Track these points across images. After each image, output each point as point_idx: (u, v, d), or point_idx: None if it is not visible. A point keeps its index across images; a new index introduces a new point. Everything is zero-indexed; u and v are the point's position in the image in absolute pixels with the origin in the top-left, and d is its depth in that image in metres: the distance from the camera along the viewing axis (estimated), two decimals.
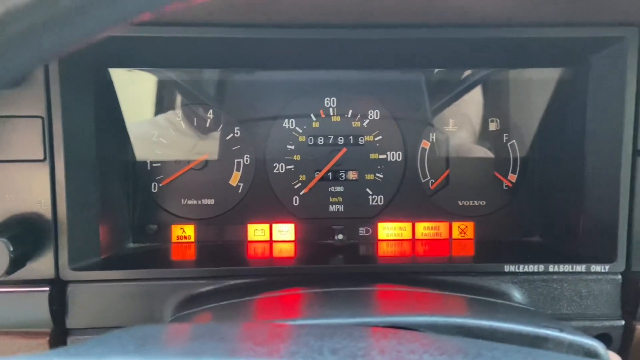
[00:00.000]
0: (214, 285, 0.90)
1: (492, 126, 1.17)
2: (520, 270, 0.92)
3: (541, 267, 0.92)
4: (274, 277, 0.91)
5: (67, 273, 0.88)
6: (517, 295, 0.92)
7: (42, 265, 0.88)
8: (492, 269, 0.93)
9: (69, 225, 0.88)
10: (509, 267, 0.92)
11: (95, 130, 0.95)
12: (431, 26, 0.85)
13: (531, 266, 0.92)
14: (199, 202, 1.15)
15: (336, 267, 0.94)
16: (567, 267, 0.92)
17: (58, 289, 0.89)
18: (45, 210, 0.87)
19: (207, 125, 1.15)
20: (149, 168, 1.14)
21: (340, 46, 0.91)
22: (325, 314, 0.61)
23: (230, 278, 0.90)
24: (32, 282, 0.88)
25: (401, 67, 1.13)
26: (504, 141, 1.17)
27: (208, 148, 1.15)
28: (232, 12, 0.81)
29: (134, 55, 0.96)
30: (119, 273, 0.91)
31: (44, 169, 0.87)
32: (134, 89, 1.08)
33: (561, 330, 0.61)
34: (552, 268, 0.92)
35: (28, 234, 0.86)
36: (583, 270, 0.92)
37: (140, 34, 0.84)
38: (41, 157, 0.86)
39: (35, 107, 0.85)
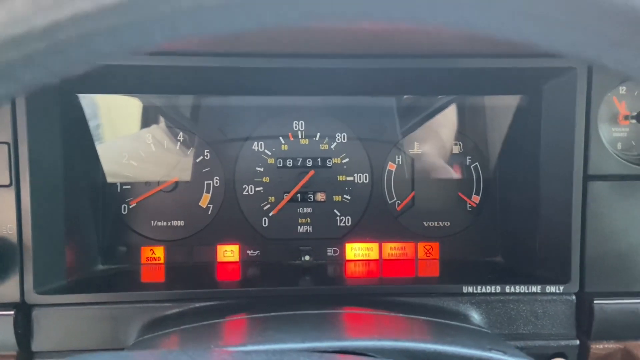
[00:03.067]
0: (179, 308, 0.91)
1: (456, 149, 1.21)
2: (478, 291, 0.95)
3: (498, 288, 0.95)
4: (239, 299, 0.93)
5: (32, 297, 0.89)
6: (475, 316, 0.95)
7: (7, 289, 0.88)
8: (452, 290, 0.96)
9: (34, 249, 0.89)
10: (467, 288, 0.95)
11: (63, 154, 0.97)
12: (387, 56, 0.89)
13: (488, 287, 0.95)
14: (169, 223, 1.16)
15: (302, 289, 0.96)
16: (523, 288, 0.95)
17: (23, 313, 0.89)
18: (11, 234, 0.88)
19: (178, 147, 1.17)
20: (118, 190, 1.15)
21: (306, 74, 0.95)
22: (277, 339, 0.63)
23: (196, 301, 0.92)
24: None
25: (364, 94, 1.16)
26: (468, 163, 1.21)
27: (178, 170, 1.16)
28: (202, 42, 0.84)
29: (103, 81, 0.98)
30: (85, 296, 0.91)
31: (10, 194, 0.88)
32: (104, 113, 1.10)
33: (504, 353, 0.64)
34: (508, 289, 0.95)
35: None
36: (538, 291, 0.95)
37: (109, 62, 0.86)
38: (7, 182, 0.87)
39: (1, 133, 0.87)
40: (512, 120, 1.13)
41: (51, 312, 0.90)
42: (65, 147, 0.98)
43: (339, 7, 0.28)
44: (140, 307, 0.91)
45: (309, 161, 1.18)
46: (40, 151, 0.91)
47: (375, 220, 1.19)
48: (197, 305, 0.92)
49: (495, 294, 0.96)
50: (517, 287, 0.95)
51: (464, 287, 0.95)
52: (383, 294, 0.96)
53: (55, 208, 0.96)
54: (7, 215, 0.88)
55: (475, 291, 0.95)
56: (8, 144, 0.87)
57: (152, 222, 1.16)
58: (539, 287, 0.95)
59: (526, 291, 0.95)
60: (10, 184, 0.88)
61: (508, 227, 1.16)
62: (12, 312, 0.88)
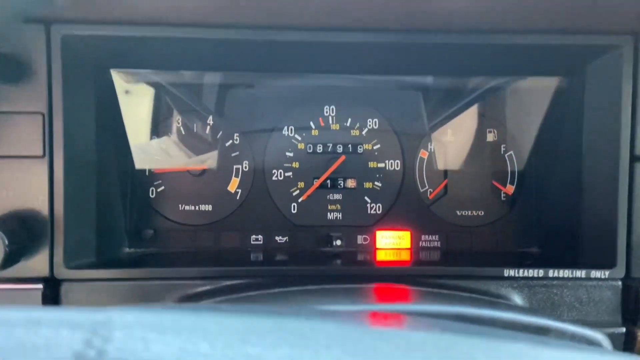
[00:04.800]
0: (209, 286, 0.89)
1: (490, 137, 1.18)
2: (520, 275, 0.92)
3: (541, 272, 0.92)
4: (273, 278, 0.90)
5: (62, 271, 0.87)
6: (517, 300, 0.92)
7: (36, 263, 0.87)
8: (491, 273, 0.92)
9: (65, 223, 0.87)
10: (508, 272, 0.92)
11: (96, 131, 0.96)
12: (419, 31, 0.87)
13: (531, 271, 0.92)
14: (197, 208, 1.14)
15: (335, 268, 0.93)
16: (567, 273, 0.92)
17: (52, 288, 0.87)
18: (42, 207, 0.87)
19: (207, 132, 1.15)
20: (147, 173, 1.14)
21: (337, 48, 0.93)
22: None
23: (228, 278, 0.89)
24: (26, 280, 0.86)
25: (394, 73, 1.13)
26: (502, 152, 1.18)
27: (207, 155, 1.15)
28: (234, 13, 0.83)
29: (136, 55, 0.97)
30: (115, 272, 0.89)
31: (43, 166, 0.87)
32: (135, 93, 1.09)
33: (563, 322, 0.60)
34: (552, 273, 0.92)
35: (24, 230, 0.85)
36: (583, 276, 0.92)
37: (142, 34, 0.85)
38: (40, 153, 0.86)
39: (36, 104, 0.86)
40: (550, 103, 1.10)
41: (80, 288, 0.88)
42: (98, 124, 0.97)
43: None
44: (169, 284, 0.89)
45: (340, 147, 1.16)
46: (75, 124, 0.90)
47: (406, 209, 1.17)
48: (228, 283, 0.89)
49: (538, 278, 0.92)
50: (560, 271, 0.92)
51: (505, 271, 0.92)
52: (421, 275, 0.92)
53: (87, 184, 0.94)
54: (39, 188, 0.87)
55: (517, 275, 0.92)
56: (43, 114, 0.86)
57: (180, 206, 1.14)
58: (583, 272, 0.92)
59: (570, 276, 0.92)
60: (44, 155, 0.86)
61: (546, 215, 1.12)
62: (40, 286, 0.86)
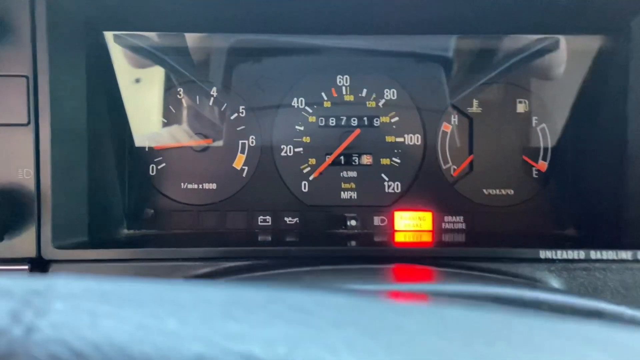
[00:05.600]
0: (212, 268, 0.80)
1: (521, 107, 1.07)
2: (558, 257, 0.82)
3: (581, 254, 0.82)
4: (281, 259, 0.81)
5: (50, 251, 0.79)
6: (555, 284, 0.81)
7: (22, 242, 0.79)
8: (526, 254, 0.82)
9: (53, 197, 0.80)
10: (545, 254, 0.82)
11: (87, 98, 0.87)
12: None
13: (570, 252, 0.81)
14: (200, 186, 1.06)
15: (350, 249, 0.84)
16: (611, 254, 0.81)
17: (39, 269, 0.80)
18: (28, 180, 0.79)
19: (211, 103, 1.07)
20: (146, 149, 1.05)
21: (355, 3, 0.83)
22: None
23: (231, 259, 0.81)
24: (11, 261, 0.79)
25: (415, 32, 1.02)
26: (534, 124, 1.07)
27: (211, 128, 1.06)
28: None
29: (131, 15, 0.89)
30: (108, 252, 0.82)
31: (28, 134, 0.79)
32: (132, 58, 1.01)
33: (618, 305, 0.50)
34: (594, 255, 0.82)
35: (7, 205, 0.77)
36: (629, 257, 0.81)
37: None
38: (25, 120, 0.79)
39: (19, 65, 0.78)
40: (589, 68, 0.99)
41: (70, 269, 0.80)
42: (90, 91, 0.88)
43: None
44: (170, 266, 0.80)
45: (354, 120, 1.06)
46: (63, 90, 0.82)
47: (427, 187, 1.07)
48: (231, 264, 0.80)
49: (578, 260, 0.82)
50: (604, 252, 0.81)
51: (541, 252, 0.82)
52: (445, 257, 0.82)
53: (77, 155, 0.86)
54: (24, 158, 0.79)
55: (554, 257, 0.81)
56: (27, 77, 0.78)
57: (182, 184, 1.06)
58: (629, 252, 0.81)
59: (615, 258, 0.81)
60: (29, 123, 0.79)
61: (583, 193, 1.02)
62: (26, 267, 0.78)
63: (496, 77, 1.07)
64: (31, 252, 0.79)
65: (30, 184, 0.79)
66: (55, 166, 0.80)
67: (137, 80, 1.04)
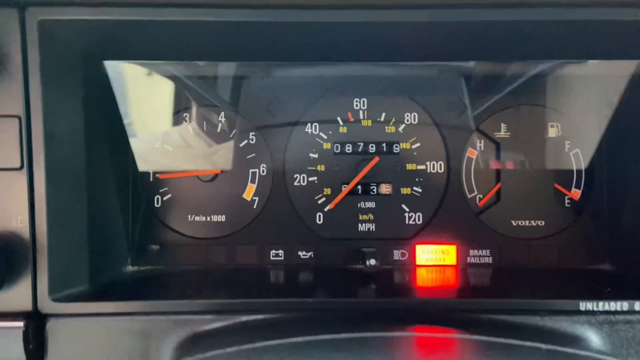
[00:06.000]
0: (224, 322, 0.74)
1: (552, 132, 0.99)
2: (600, 308, 0.74)
3: (625, 305, 0.74)
4: (295, 312, 0.75)
5: (47, 304, 0.74)
6: (596, 340, 0.74)
7: (17, 295, 0.73)
8: (564, 306, 0.75)
9: (50, 246, 0.73)
10: (585, 305, 0.74)
11: (86, 134, 0.81)
12: (467, 6, 0.69)
13: (613, 303, 0.74)
14: (208, 218, 0.99)
15: (367, 301, 0.77)
16: None
17: (36, 324, 0.74)
18: (22, 228, 0.73)
19: (219, 130, 1.00)
20: (151, 179, 0.99)
21: (369, 31, 0.75)
22: None
23: (243, 312, 0.74)
24: (5, 315, 0.73)
25: (439, 59, 0.95)
26: (566, 149, 0.99)
27: (219, 156, 1.00)
28: None
29: (134, 45, 0.82)
30: (110, 305, 0.75)
31: (21, 179, 0.72)
32: (135, 86, 0.94)
33: None
34: (638, 306, 0.74)
35: (2, 255, 0.71)
36: None
37: (138, 17, 0.70)
38: (17, 164, 0.72)
39: (11, 105, 0.71)
40: (627, 91, 0.91)
41: (69, 324, 0.74)
42: (89, 125, 0.82)
43: None
44: (175, 320, 0.74)
45: (372, 146, 0.99)
46: (59, 128, 0.76)
47: (451, 218, 1.00)
48: (244, 318, 0.74)
49: (622, 312, 0.74)
50: None
51: (581, 304, 0.74)
52: (468, 310, 0.75)
53: (76, 197, 0.80)
54: (18, 205, 0.73)
55: (595, 309, 0.74)
56: (19, 117, 0.72)
57: (189, 216, 1.00)
58: None
59: None
60: (22, 167, 0.72)
61: (621, 224, 0.94)
62: (22, 323, 0.72)
63: (525, 99, 0.99)
64: (27, 306, 0.73)
65: (26, 232, 0.73)
66: (52, 212, 0.74)
67: (141, 105, 0.98)
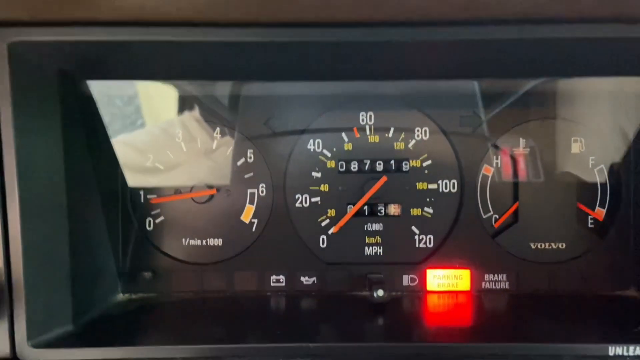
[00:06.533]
0: None
1: (575, 147, 0.91)
2: (631, 353, 0.67)
3: None
4: (296, 359, 0.69)
5: (26, 351, 0.68)
6: None
7: None
8: (590, 351, 0.68)
9: (27, 287, 0.67)
10: (614, 350, 0.68)
11: (66, 160, 0.74)
12: (482, 23, 0.61)
13: None
14: (204, 242, 0.93)
15: (373, 346, 0.70)
16: None
17: None
18: None
19: (214, 147, 0.93)
20: (142, 200, 0.93)
21: (375, 50, 0.68)
22: None
23: (241, 359, 0.68)
24: None
25: (452, 77, 0.88)
26: (590, 166, 0.91)
27: (214, 176, 0.93)
28: (238, 9, 0.58)
29: (120, 64, 0.75)
30: (94, 351, 0.69)
31: None
32: (123, 104, 0.87)
33: None
34: None
35: None
36: None
37: (123, 37, 0.62)
38: None
39: None
40: None
41: None
42: (70, 150, 0.75)
43: None
44: None
45: (380, 164, 0.92)
46: (35, 157, 0.69)
47: (465, 240, 0.93)
48: None
49: None
50: None
51: (610, 348, 0.67)
52: (482, 355, 0.69)
53: (56, 229, 0.73)
54: None
55: (626, 354, 0.67)
56: None
57: (184, 240, 0.93)
58: None
59: None
60: None
61: None
62: None
63: (547, 112, 0.91)
64: (5, 353, 0.68)
65: (0, 275, 0.67)
66: (29, 251, 0.67)
67: (130, 123, 0.91)
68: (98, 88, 0.81)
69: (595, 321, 0.81)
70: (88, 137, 0.81)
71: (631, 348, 0.68)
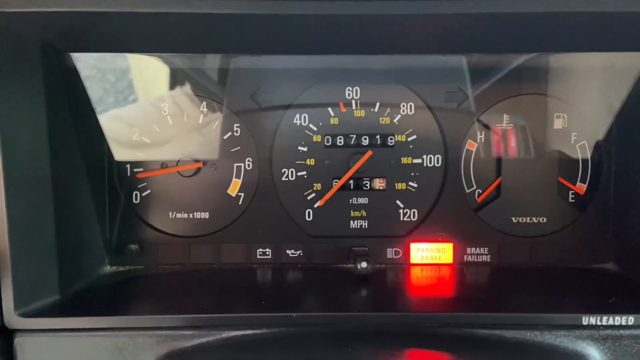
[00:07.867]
0: (204, 339, 0.69)
1: (558, 123, 0.92)
2: (604, 323, 0.70)
3: (631, 320, 0.70)
4: (280, 328, 0.70)
5: (14, 320, 0.69)
6: (598, 356, 0.70)
7: None
8: (565, 320, 0.70)
9: (13, 259, 0.68)
10: (588, 319, 0.70)
11: (50, 132, 0.74)
12: None
13: (618, 318, 0.70)
14: (191, 215, 0.94)
15: (356, 315, 0.72)
16: None
17: (3, 340, 0.69)
18: None
19: (200, 121, 0.93)
20: (128, 174, 0.93)
21: (362, 23, 0.67)
22: None
23: (224, 328, 0.70)
24: None
25: (439, 51, 0.88)
26: (572, 141, 0.93)
27: (201, 149, 0.93)
28: None
29: (104, 36, 0.74)
30: (82, 320, 0.70)
31: None
32: (107, 77, 0.87)
33: None
34: None
35: None
36: None
37: (106, 8, 0.61)
38: None
39: None
40: (637, 83, 0.84)
41: (39, 340, 0.70)
42: (55, 123, 0.75)
43: None
44: (153, 335, 0.70)
45: (366, 139, 0.93)
46: (18, 128, 0.69)
47: (448, 214, 0.94)
48: (225, 335, 0.69)
49: (627, 326, 0.70)
50: None
51: (584, 318, 0.70)
52: (463, 324, 0.71)
53: (41, 200, 0.74)
54: None
55: (599, 323, 0.70)
56: None
57: (170, 213, 0.94)
58: None
59: None
60: None
61: (627, 222, 0.88)
62: None
63: (530, 88, 0.91)
64: None
65: None
66: (13, 221, 0.68)
67: (117, 96, 0.90)
68: (82, 60, 0.81)
69: (572, 293, 0.83)
70: (72, 110, 0.81)
71: (604, 318, 0.70)
